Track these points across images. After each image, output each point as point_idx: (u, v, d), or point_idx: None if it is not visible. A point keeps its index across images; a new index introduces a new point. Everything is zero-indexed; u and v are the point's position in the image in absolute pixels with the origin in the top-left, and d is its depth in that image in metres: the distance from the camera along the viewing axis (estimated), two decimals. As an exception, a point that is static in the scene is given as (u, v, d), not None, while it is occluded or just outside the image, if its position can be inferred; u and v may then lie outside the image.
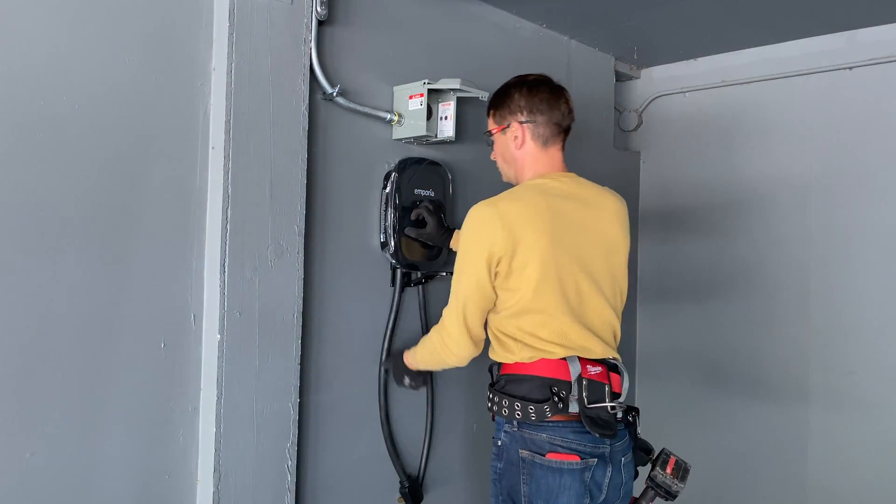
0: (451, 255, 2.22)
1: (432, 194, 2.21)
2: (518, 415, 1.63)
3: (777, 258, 2.90)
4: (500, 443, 1.69)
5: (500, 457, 1.69)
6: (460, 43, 2.41)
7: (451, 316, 1.72)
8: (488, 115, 1.87)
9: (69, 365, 1.55)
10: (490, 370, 1.79)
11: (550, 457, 1.61)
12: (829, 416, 2.75)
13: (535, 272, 1.63)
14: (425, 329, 2.26)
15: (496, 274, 1.66)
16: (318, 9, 1.91)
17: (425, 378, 2.12)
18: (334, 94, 1.96)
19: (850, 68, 2.73)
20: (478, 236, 1.66)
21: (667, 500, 1.78)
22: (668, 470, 1.77)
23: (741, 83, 3.00)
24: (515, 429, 1.65)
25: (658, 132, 3.29)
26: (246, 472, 1.78)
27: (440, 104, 2.12)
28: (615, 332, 1.77)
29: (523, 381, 1.66)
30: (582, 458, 1.60)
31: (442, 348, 1.75)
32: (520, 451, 1.64)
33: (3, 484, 1.47)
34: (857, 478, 2.69)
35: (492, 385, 1.75)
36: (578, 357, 1.66)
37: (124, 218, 1.63)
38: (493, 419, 1.75)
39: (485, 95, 2.12)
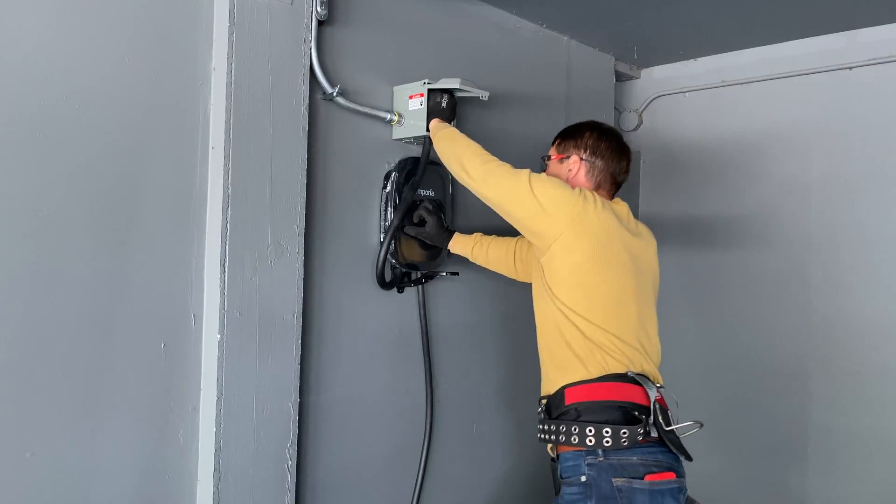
0: (451, 255, 2.22)
1: (432, 194, 2.21)
2: (607, 441, 1.54)
3: (777, 258, 2.90)
4: (584, 479, 1.56)
5: (587, 495, 1.55)
6: (460, 43, 2.40)
7: (488, 169, 1.76)
8: (553, 143, 1.93)
9: (69, 365, 1.55)
10: (539, 403, 1.73)
11: (649, 479, 1.53)
12: (829, 416, 2.75)
13: (616, 281, 1.66)
14: (425, 329, 2.26)
15: (556, 239, 1.67)
16: (318, 9, 1.91)
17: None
18: (334, 94, 1.96)
19: (850, 68, 2.73)
20: (564, 190, 1.70)
21: None
22: None
23: (741, 83, 3.00)
24: (602, 458, 1.55)
25: (658, 132, 3.29)
26: (246, 472, 1.77)
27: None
28: (659, 356, 1.80)
29: (602, 407, 1.59)
30: (678, 476, 1.57)
31: (472, 154, 1.80)
32: (614, 480, 1.54)
33: (3, 484, 1.47)
34: (858, 478, 2.69)
35: (552, 417, 1.65)
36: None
37: (124, 218, 1.63)
38: (556, 457, 1.66)
39: (485, 95, 2.13)
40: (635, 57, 3.15)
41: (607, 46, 3.01)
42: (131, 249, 1.64)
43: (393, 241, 2.09)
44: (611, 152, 1.84)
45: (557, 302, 1.69)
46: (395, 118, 2.12)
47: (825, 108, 2.80)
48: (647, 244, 1.82)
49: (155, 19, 1.68)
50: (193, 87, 1.74)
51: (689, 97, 3.18)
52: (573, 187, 1.76)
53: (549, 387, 1.71)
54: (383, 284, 2.11)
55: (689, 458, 1.61)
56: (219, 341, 1.72)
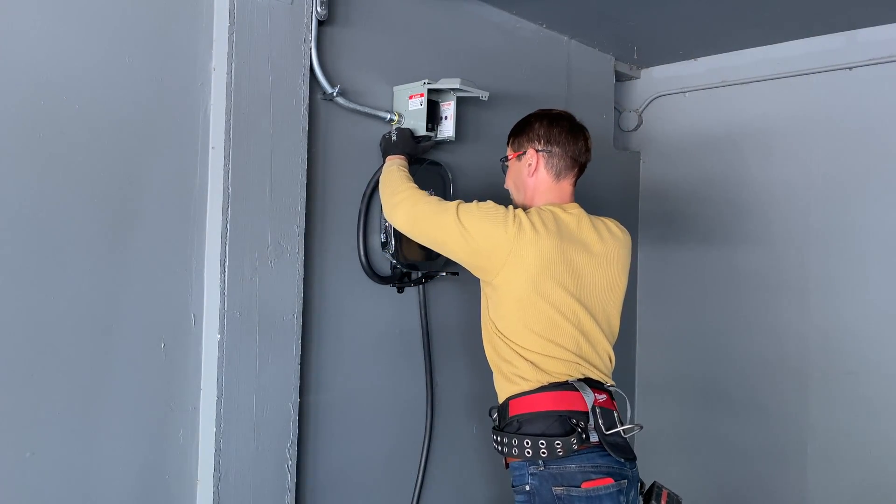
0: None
1: (433, 194, 2.21)
2: (543, 452, 1.59)
3: (777, 258, 2.90)
4: (528, 487, 1.62)
5: (533, 503, 1.62)
6: (460, 43, 2.40)
7: (416, 214, 1.77)
8: (508, 142, 1.91)
9: (69, 365, 1.55)
10: (491, 413, 1.77)
11: (586, 486, 1.57)
12: (829, 416, 2.75)
13: (551, 308, 1.66)
14: (425, 329, 2.26)
15: (484, 269, 1.70)
16: (318, 9, 1.91)
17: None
18: (334, 94, 1.96)
19: (850, 68, 2.73)
20: (495, 223, 1.67)
21: None
22: (664, 502, 1.74)
23: (741, 83, 3.00)
24: (543, 468, 1.60)
25: (658, 132, 3.29)
26: (246, 472, 1.77)
27: (440, 104, 2.12)
28: (612, 360, 1.79)
29: (540, 417, 1.63)
30: (616, 481, 1.59)
31: (396, 202, 1.82)
32: (553, 489, 1.59)
33: (3, 484, 1.47)
34: (858, 478, 2.69)
35: (499, 428, 1.70)
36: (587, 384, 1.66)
37: (124, 218, 1.63)
38: (507, 465, 1.70)
39: (485, 95, 2.13)
40: (635, 57, 3.15)
41: (607, 46, 3.01)
42: (131, 249, 1.64)
43: (393, 240, 2.09)
44: (565, 136, 1.81)
45: (493, 326, 1.74)
46: (396, 118, 2.12)
47: (825, 108, 2.80)
48: (606, 248, 1.77)
49: (155, 19, 1.68)
50: (193, 87, 1.74)
51: (689, 97, 3.18)
52: (532, 179, 1.81)
53: (499, 397, 1.76)
54: (373, 277, 2.11)
55: (631, 459, 1.64)
56: (219, 341, 1.72)
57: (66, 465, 1.56)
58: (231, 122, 1.74)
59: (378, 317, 2.16)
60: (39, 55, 1.51)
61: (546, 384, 1.65)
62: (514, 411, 1.67)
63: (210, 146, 1.76)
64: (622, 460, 1.62)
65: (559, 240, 1.68)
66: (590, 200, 2.97)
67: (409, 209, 1.80)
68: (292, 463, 1.87)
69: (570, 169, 1.82)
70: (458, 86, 2.05)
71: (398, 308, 2.21)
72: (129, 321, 1.64)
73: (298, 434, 1.90)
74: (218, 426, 1.72)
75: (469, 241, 1.69)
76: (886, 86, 2.66)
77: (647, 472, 3.28)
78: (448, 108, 2.11)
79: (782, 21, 2.66)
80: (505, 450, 1.66)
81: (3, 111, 1.46)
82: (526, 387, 1.67)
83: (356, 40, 2.08)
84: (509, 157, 1.89)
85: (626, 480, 1.62)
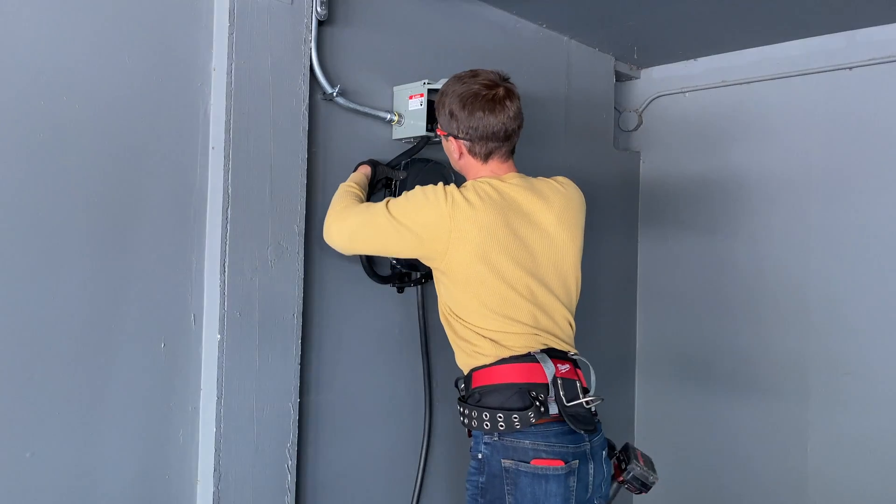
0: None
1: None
2: (501, 426, 1.60)
3: (777, 258, 2.90)
4: (480, 455, 1.64)
5: (480, 470, 1.64)
6: (460, 43, 2.40)
7: (348, 227, 1.72)
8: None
9: (69, 365, 1.55)
10: (457, 384, 1.77)
11: (535, 463, 1.59)
12: (828, 415, 2.75)
13: (500, 282, 1.63)
14: (424, 329, 2.26)
15: (429, 258, 1.67)
16: (318, 9, 1.91)
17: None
18: (334, 94, 1.96)
19: (850, 68, 2.73)
20: (424, 216, 1.63)
21: (641, 492, 1.76)
22: (641, 461, 1.75)
23: (741, 83, 3.00)
24: (497, 439, 1.62)
25: (658, 132, 3.29)
26: (246, 472, 1.77)
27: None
28: (573, 327, 1.77)
29: (499, 390, 1.63)
30: (566, 463, 1.59)
31: (327, 225, 1.77)
32: (503, 461, 1.60)
33: (3, 484, 1.47)
34: (857, 478, 2.69)
35: (463, 399, 1.71)
36: (548, 356, 1.66)
37: (124, 218, 1.63)
38: (470, 434, 1.71)
39: (485, 95, 2.12)
40: (635, 57, 3.15)
41: (607, 46, 3.01)
42: (131, 249, 1.64)
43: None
44: (482, 116, 1.66)
45: (449, 310, 1.72)
46: (396, 118, 2.12)
47: (825, 108, 2.80)
48: (553, 211, 1.70)
49: (155, 19, 1.68)
50: (193, 87, 1.74)
51: (689, 97, 3.18)
52: (461, 162, 1.76)
53: (463, 369, 1.75)
54: (374, 277, 2.11)
55: (591, 431, 1.64)
56: (219, 341, 1.72)
57: (66, 465, 1.56)
58: (231, 122, 1.74)
59: (378, 317, 2.16)
60: (39, 55, 1.51)
61: (506, 357, 1.64)
62: (476, 383, 1.67)
63: (210, 146, 1.76)
64: (581, 433, 1.62)
65: (500, 210, 1.63)
66: (590, 200, 2.98)
67: (339, 227, 1.74)
68: (292, 463, 1.87)
69: (498, 147, 1.71)
70: (458, 86, 2.04)
71: (398, 308, 2.21)
72: (130, 321, 1.64)
73: (298, 434, 1.90)
74: (218, 426, 1.72)
75: (408, 235, 1.64)
76: (886, 86, 2.66)
77: (647, 472, 3.27)
78: (448, 108, 2.11)
79: (782, 21, 2.66)
80: (466, 421, 1.67)
81: (2, 111, 1.46)
82: (487, 360, 1.66)
83: (356, 40, 2.08)
84: (439, 134, 1.80)
85: (577, 461, 1.62)
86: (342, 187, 1.86)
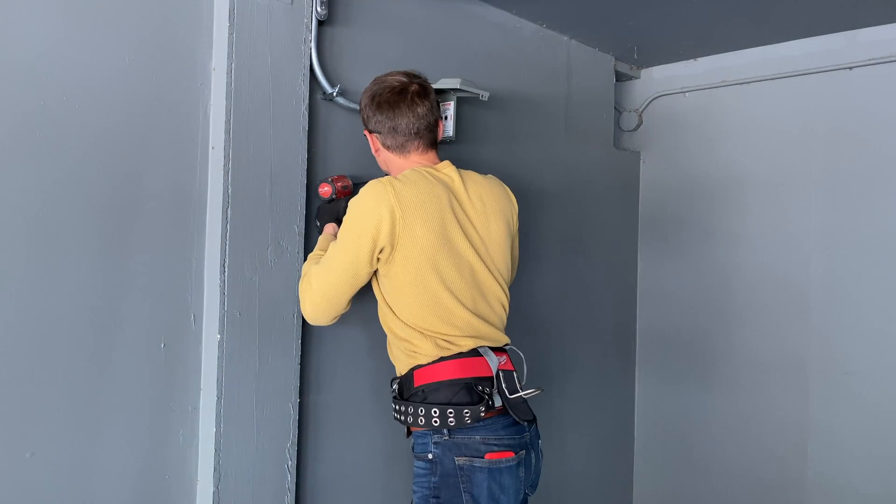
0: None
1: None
2: (451, 422, 1.58)
3: (777, 257, 2.90)
4: (430, 456, 1.62)
5: (432, 471, 1.61)
6: (460, 43, 2.40)
7: (317, 289, 1.68)
8: None
9: (69, 365, 1.55)
10: (392, 384, 1.75)
11: (489, 457, 1.59)
12: (828, 416, 2.75)
13: (437, 282, 1.63)
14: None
15: (379, 259, 1.64)
16: (318, 9, 1.91)
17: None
18: (334, 94, 1.96)
19: (850, 68, 2.73)
20: (368, 214, 1.61)
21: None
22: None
23: (741, 83, 3.00)
24: (447, 437, 1.60)
25: (658, 132, 3.29)
26: (246, 472, 1.77)
27: (440, 104, 2.12)
28: (506, 310, 1.78)
29: (445, 386, 1.62)
30: (516, 454, 1.62)
31: (302, 300, 1.73)
32: (456, 459, 1.59)
33: (3, 484, 1.47)
34: (857, 478, 2.69)
35: (403, 398, 1.68)
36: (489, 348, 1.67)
37: (124, 218, 1.63)
38: (409, 434, 1.70)
39: (485, 95, 2.12)
40: (635, 57, 3.15)
41: (607, 46, 3.01)
42: (131, 249, 1.64)
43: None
44: (389, 107, 1.69)
45: (387, 307, 1.71)
46: (395, 118, 2.11)
47: (825, 108, 2.80)
48: (486, 202, 1.73)
49: (155, 19, 1.68)
50: (193, 87, 1.74)
51: (689, 97, 3.18)
52: (379, 158, 1.78)
53: (400, 368, 1.73)
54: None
55: (531, 421, 1.66)
56: (219, 341, 1.72)
57: (66, 465, 1.56)
58: (231, 122, 1.74)
59: (378, 317, 2.15)
60: (39, 55, 1.51)
61: (448, 354, 1.64)
62: (419, 381, 1.65)
63: (210, 146, 1.76)
64: (524, 424, 1.64)
65: (433, 206, 1.63)
66: (590, 200, 2.99)
67: (311, 298, 1.70)
68: (292, 463, 1.87)
69: (410, 141, 1.72)
70: (458, 86, 2.05)
71: (398, 308, 2.21)
72: (130, 321, 1.64)
73: (298, 434, 1.90)
74: (218, 426, 1.72)
75: (370, 245, 1.61)
76: (886, 86, 2.65)
77: (647, 472, 3.28)
78: (448, 108, 2.12)
79: (782, 21, 2.66)
80: (409, 419, 1.64)
81: (2, 111, 1.46)
82: (429, 358, 1.65)
83: (356, 40, 2.08)
84: (364, 132, 1.82)
85: (524, 451, 1.65)
86: (306, 263, 1.80)
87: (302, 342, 1.89)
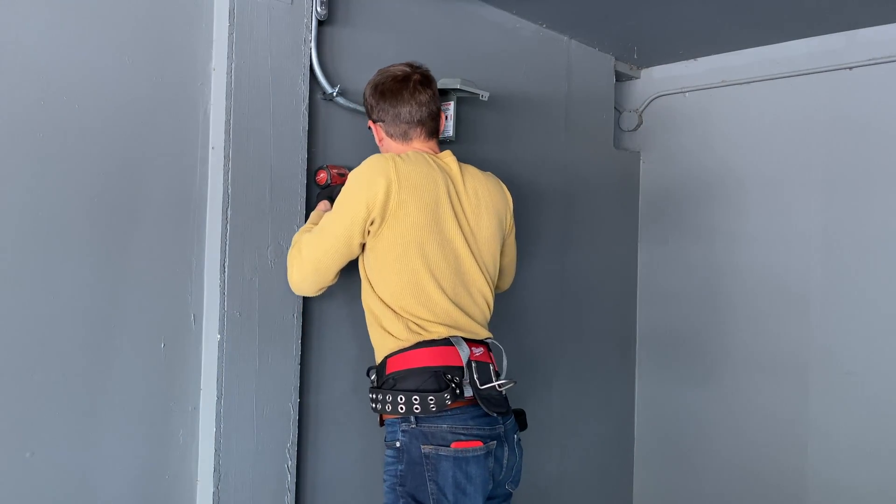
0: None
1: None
2: (416, 409, 1.59)
3: (777, 257, 2.90)
4: (398, 444, 1.63)
5: (399, 459, 1.63)
6: (460, 43, 2.40)
7: (307, 257, 1.68)
8: None
9: (69, 365, 1.55)
10: (369, 374, 1.76)
11: (455, 446, 1.59)
12: (828, 415, 2.75)
13: (424, 265, 1.63)
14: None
15: (369, 232, 1.65)
16: (318, 9, 1.91)
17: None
18: (334, 94, 1.96)
19: (850, 68, 2.73)
20: (365, 182, 1.62)
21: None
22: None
23: (741, 83, 3.00)
24: (414, 425, 1.61)
25: (658, 132, 3.29)
26: (246, 472, 1.78)
27: (440, 104, 2.12)
28: (490, 306, 1.78)
29: (415, 373, 1.63)
30: (484, 444, 1.62)
31: (290, 268, 1.73)
32: (422, 447, 1.60)
33: (3, 484, 1.47)
34: (857, 478, 2.69)
35: (377, 387, 1.69)
36: (463, 339, 1.66)
37: (124, 218, 1.63)
38: (382, 423, 1.71)
39: (485, 95, 2.12)
40: (635, 57, 3.15)
41: (607, 46, 3.01)
42: (131, 249, 1.64)
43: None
44: (392, 95, 1.73)
45: (367, 284, 1.71)
46: (395, 118, 2.11)
47: (825, 108, 2.80)
48: (480, 196, 1.75)
49: (155, 19, 1.68)
50: (193, 87, 1.74)
51: (689, 97, 3.18)
52: (382, 146, 1.79)
53: (377, 356, 1.74)
54: None
55: (503, 413, 1.66)
56: (219, 341, 1.72)
57: (66, 465, 1.56)
58: (231, 122, 1.74)
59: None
60: (39, 55, 1.51)
61: (421, 341, 1.65)
62: (390, 369, 1.67)
63: (210, 146, 1.76)
64: (495, 415, 1.64)
65: (431, 192, 1.64)
66: (590, 200, 2.99)
67: (299, 266, 1.71)
68: (292, 463, 1.87)
69: (412, 129, 1.75)
70: (458, 86, 2.05)
71: (398, 308, 2.21)
72: (130, 321, 1.64)
73: (298, 434, 1.90)
74: (218, 426, 1.72)
75: (364, 213, 1.61)
76: (886, 86, 2.65)
77: (647, 472, 3.28)
78: (448, 108, 2.12)
79: (782, 21, 2.66)
80: (380, 406, 1.66)
81: (2, 111, 1.46)
82: (402, 345, 1.66)
83: (356, 40, 2.08)
84: (369, 125, 1.85)
85: (494, 442, 1.65)
86: (297, 234, 1.81)
87: (302, 342, 1.89)
